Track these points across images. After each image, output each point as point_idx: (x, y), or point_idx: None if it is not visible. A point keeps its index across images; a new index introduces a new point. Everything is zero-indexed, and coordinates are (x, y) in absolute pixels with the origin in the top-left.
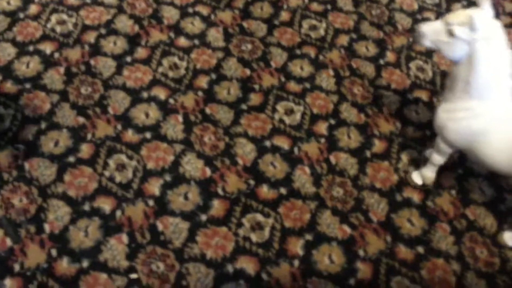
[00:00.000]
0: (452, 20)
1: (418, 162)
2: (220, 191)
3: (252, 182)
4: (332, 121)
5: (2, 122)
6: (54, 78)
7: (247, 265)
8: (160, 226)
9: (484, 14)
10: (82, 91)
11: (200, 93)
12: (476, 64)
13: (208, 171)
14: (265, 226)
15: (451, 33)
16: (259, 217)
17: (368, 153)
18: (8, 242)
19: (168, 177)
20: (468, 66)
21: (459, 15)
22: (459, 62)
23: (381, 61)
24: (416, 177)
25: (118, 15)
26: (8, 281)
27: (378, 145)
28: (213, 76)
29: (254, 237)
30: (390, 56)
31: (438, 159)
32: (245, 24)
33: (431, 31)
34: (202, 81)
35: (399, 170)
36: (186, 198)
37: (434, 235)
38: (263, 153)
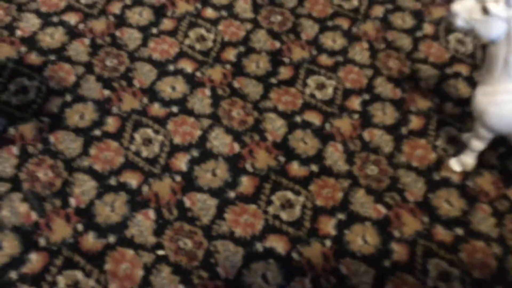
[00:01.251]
0: None
1: (457, 140)
2: (249, 168)
3: (282, 158)
4: (366, 96)
5: (26, 94)
6: (79, 49)
7: (277, 244)
8: (187, 203)
9: None
10: (108, 63)
11: (228, 66)
12: None
13: (236, 147)
14: (295, 204)
15: (485, 11)
16: (290, 194)
17: (404, 130)
18: (34, 216)
19: (195, 153)
20: (506, 45)
21: None
22: (496, 41)
23: (418, 33)
24: (455, 164)
25: None
26: (33, 255)
27: (415, 122)
28: (242, 48)
29: (284, 216)
30: (427, 28)
31: (477, 145)
32: None
33: (464, 10)
34: (230, 54)
35: (437, 148)
36: (214, 174)
37: (474, 217)
38: (294, 129)
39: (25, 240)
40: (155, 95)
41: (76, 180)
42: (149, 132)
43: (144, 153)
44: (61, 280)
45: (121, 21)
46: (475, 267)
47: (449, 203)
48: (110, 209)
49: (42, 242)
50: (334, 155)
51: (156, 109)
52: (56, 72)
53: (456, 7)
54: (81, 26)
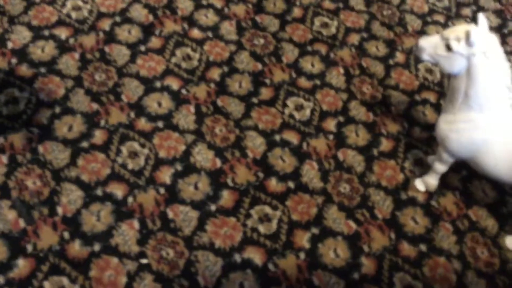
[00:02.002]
0: (449, 34)
1: (423, 163)
2: (229, 182)
3: (261, 174)
4: (341, 118)
5: (17, 105)
6: (69, 63)
7: (255, 255)
8: (170, 214)
9: (480, 28)
10: (96, 78)
11: (212, 85)
12: (475, 78)
13: (218, 162)
14: (272, 218)
15: (448, 48)
16: (267, 209)
17: (375, 151)
18: (22, 223)
19: (179, 166)
20: (467, 79)
21: (456, 30)
22: (458, 75)
23: (391, 61)
24: (419, 184)
25: (133, 4)
26: (21, 261)
27: (385, 144)
28: (225, 68)
29: (262, 229)
30: (399, 57)
31: (440, 167)
32: (258, 19)
33: (430, 45)
34: (215, 73)
35: (405, 169)
36: (196, 187)
37: (437, 234)
38: (273, 147)
39: (13, 247)
40: (142, 110)
41: (64, 189)
42: (135, 145)
43: (130, 165)
44: (47, 286)
45: (110, 38)
46: (436, 281)
47: (414, 221)
48: (96, 218)
49: (29, 248)
50: (310, 173)
51: (143, 123)
52: (46, 85)
53: (422, 42)
54: (71, 40)
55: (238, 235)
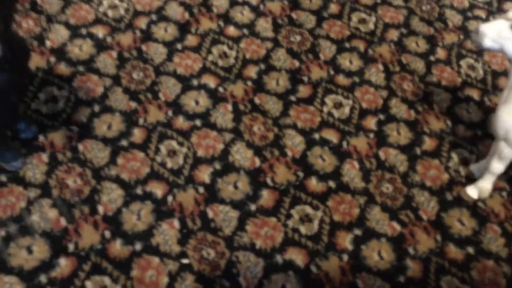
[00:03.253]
0: None
1: (469, 161)
2: (269, 182)
3: (301, 174)
4: (382, 116)
5: (56, 104)
6: (107, 62)
7: (296, 256)
8: (210, 213)
9: None
10: (134, 76)
11: (249, 83)
12: None
13: (257, 161)
14: (314, 219)
15: None
16: (308, 209)
17: (418, 150)
18: (63, 221)
19: (218, 165)
20: None
21: None
22: None
23: (432, 58)
24: (472, 191)
25: (169, 2)
26: (62, 260)
27: (429, 143)
28: (262, 66)
29: (303, 229)
30: (440, 53)
31: (499, 167)
32: (294, 15)
33: (493, 29)
34: (251, 71)
35: (449, 169)
36: (235, 187)
37: (485, 236)
38: (312, 146)
39: (55, 245)
40: (180, 109)
41: (104, 188)
42: (174, 144)
43: (169, 164)
44: (89, 285)
45: (147, 36)
46: (485, 285)
47: (460, 223)
48: (136, 218)
49: (71, 247)
50: (351, 172)
51: (181, 122)
52: (85, 83)
53: (483, 27)
54: (108, 39)
55: (279, 235)
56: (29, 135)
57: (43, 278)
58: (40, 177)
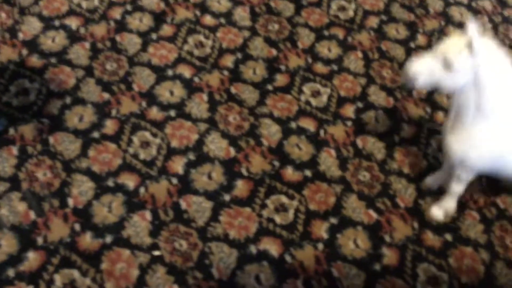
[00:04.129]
0: (446, 52)
1: None
2: (244, 172)
3: (277, 163)
4: (360, 104)
5: (27, 96)
6: (80, 53)
7: (271, 246)
8: (183, 205)
9: (475, 35)
10: (107, 67)
11: (225, 72)
12: (485, 88)
13: (232, 151)
14: (289, 208)
15: (449, 66)
16: (284, 198)
17: (396, 138)
18: (32, 215)
19: (192, 156)
20: (475, 91)
21: (452, 44)
22: (462, 90)
23: (412, 44)
24: (437, 212)
25: None
26: (31, 254)
27: (407, 130)
28: (239, 55)
29: (278, 219)
30: (421, 39)
31: (459, 188)
32: (272, 4)
33: (424, 69)
34: (228, 60)
35: (428, 156)
36: (209, 177)
37: (463, 223)
38: (289, 135)
39: (23, 239)
40: (154, 99)
41: (75, 180)
42: (147, 135)
43: (142, 155)
44: (58, 279)
45: (121, 26)
46: (463, 272)
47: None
48: (107, 210)
49: (40, 241)
50: (328, 161)
51: (154, 113)
52: (57, 75)
53: (414, 69)
54: (82, 30)
55: (254, 226)
56: (0, 128)
57: (11, 272)
58: (10, 170)
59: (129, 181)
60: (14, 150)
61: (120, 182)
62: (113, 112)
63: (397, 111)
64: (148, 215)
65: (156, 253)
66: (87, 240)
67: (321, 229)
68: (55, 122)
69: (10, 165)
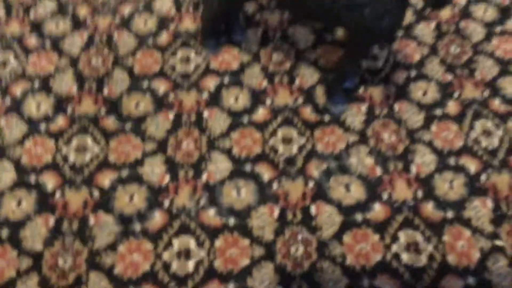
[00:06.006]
0: None
1: None
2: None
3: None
4: None
5: (375, 61)
6: (425, 31)
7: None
8: None
9: None
10: (451, 50)
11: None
12: None
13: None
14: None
15: None
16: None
17: None
18: (378, 171)
19: None
20: None
21: None
22: None
23: None
24: None
25: None
26: (377, 206)
27: None
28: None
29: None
30: None
31: None
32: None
33: None
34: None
35: None
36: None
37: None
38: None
39: (370, 191)
40: (497, 91)
41: (418, 150)
42: (489, 124)
43: (483, 143)
44: (402, 236)
45: (466, 13)
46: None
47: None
48: (448, 186)
49: (384, 196)
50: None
51: (496, 104)
52: (403, 48)
53: None
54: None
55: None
56: (351, 85)
57: (359, 217)
58: (359, 125)
59: (471, 164)
60: (363, 107)
61: (460, 164)
62: (455, 94)
63: None
64: (489, 203)
65: (499, 243)
66: (429, 209)
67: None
68: (400, 91)
69: (359, 121)
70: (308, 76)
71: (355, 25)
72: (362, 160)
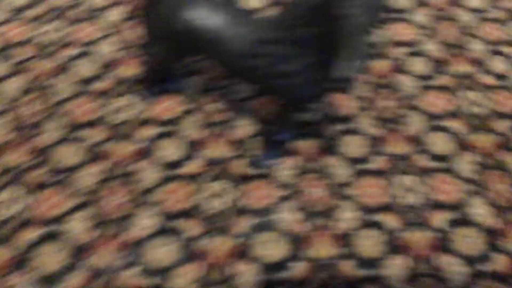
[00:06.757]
0: None
1: None
2: (507, 247)
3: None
4: None
5: (306, 114)
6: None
7: None
8: None
9: None
10: (383, 104)
11: None
12: None
13: (499, 223)
14: None
15: None
16: None
17: None
18: (306, 226)
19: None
20: None
21: None
22: None
23: None
24: None
25: None
26: (301, 264)
27: None
28: None
29: None
30: None
31: None
32: None
33: None
34: None
35: None
36: None
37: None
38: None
39: (295, 248)
40: (423, 146)
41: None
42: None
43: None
44: None
45: (398, 68)
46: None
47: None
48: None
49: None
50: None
51: (423, 159)
52: (336, 101)
53: None
54: None
55: None
56: (287, 138)
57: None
58: (287, 179)
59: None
60: (292, 161)
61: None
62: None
63: None
64: None
65: None
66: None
67: None
68: (331, 145)
69: (288, 175)
70: (244, 127)
71: (280, 91)
72: (290, 215)
